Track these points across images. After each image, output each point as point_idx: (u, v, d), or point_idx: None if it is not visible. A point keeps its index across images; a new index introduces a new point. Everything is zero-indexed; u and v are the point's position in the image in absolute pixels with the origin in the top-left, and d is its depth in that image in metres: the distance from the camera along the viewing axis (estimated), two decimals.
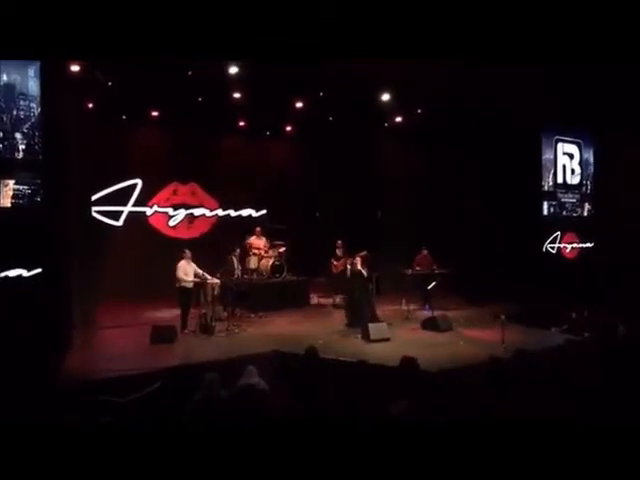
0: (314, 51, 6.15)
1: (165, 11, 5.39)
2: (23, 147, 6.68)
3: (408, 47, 5.98)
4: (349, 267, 10.33)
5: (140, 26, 5.49)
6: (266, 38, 5.71)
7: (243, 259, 11.59)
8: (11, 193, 6.58)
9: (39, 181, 6.78)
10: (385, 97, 11.00)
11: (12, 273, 6.49)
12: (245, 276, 11.52)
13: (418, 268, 11.29)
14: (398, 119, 12.81)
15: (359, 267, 10.14)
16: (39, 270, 6.67)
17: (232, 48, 6.18)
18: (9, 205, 6.59)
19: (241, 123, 13.03)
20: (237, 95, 10.65)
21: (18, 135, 6.64)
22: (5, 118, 6.54)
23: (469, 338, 9.07)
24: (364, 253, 11.93)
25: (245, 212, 14.09)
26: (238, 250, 10.67)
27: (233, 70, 9.24)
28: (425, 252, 11.44)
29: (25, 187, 6.67)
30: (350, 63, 8.44)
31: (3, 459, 3.13)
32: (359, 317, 9.59)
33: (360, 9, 5.47)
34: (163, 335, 8.68)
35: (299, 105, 11.52)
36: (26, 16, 5.32)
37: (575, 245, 13.60)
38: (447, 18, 5.57)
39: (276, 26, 5.53)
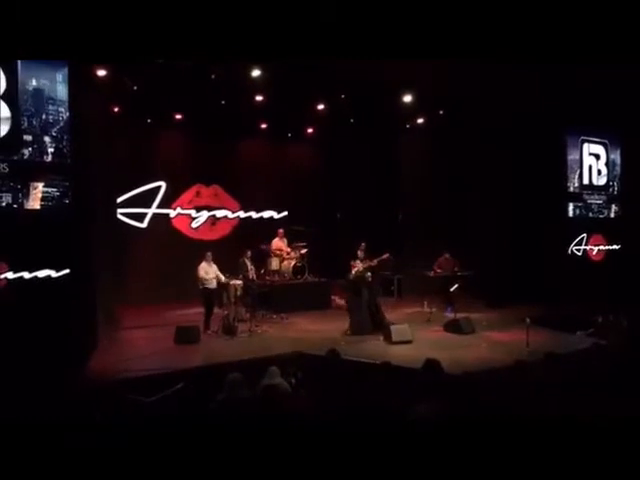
0: (313, 52, 6.15)
1: (163, 16, 5.44)
2: (52, 150, 6.84)
3: (410, 48, 5.95)
4: (353, 275, 10.09)
5: (142, 30, 5.55)
6: (266, 38, 5.73)
7: (261, 260, 11.64)
8: (40, 195, 6.74)
9: (67, 184, 6.93)
10: (407, 98, 10.96)
11: (41, 274, 6.65)
12: (267, 277, 11.57)
13: (439, 270, 11.21)
14: (420, 120, 12.76)
15: (361, 270, 9.97)
16: (67, 271, 6.81)
17: (238, 50, 6.21)
18: (38, 207, 6.76)
19: (263, 125, 13.12)
20: (259, 98, 10.73)
21: (47, 139, 6.81)
22: (35, 122, 6.71)
23: (492, 341, 8.97)
24: (387, 255, 11.89)
25: (266, 214, 14.17)
26: (249, 252, 10.69)
27: (255, 73, 9.31)
28: (447, 255, 11.34)
29: (54, 190, 6.82)
30: (371, 65, 8.40)
31: (28, 456, 3.19)
32: (371, 321, 9.56)
33: (360, 12, 5.46)
34: (187, 335, 8.78)
35: (320, 107, 11.55)
36: (52, 19, 5.43)
37: (602, 247, 13.34)
38: (451, 19, 5.53)
39: (275, 27, 5.55)
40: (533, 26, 5.66)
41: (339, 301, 12.38)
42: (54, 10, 5.36)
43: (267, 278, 11.58)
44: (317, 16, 5.43)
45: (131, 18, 5.46)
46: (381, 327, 9.50)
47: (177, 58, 7.04)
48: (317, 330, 9.81)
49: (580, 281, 11.73)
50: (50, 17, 5.40)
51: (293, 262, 12.07)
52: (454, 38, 5.77)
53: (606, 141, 13.60)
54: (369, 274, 9.99)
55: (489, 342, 8.90)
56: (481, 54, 6.09)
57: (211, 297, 9.79)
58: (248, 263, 10.54)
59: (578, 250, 12.92)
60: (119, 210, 11.90)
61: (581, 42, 5.88)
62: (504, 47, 5.90)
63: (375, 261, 11.95)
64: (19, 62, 6.58)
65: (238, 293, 10.15)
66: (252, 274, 10.54)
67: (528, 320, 8.49)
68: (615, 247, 13.47)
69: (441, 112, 12.19)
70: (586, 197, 13.30)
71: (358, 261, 10.14)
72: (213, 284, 9.73)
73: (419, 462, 3.11)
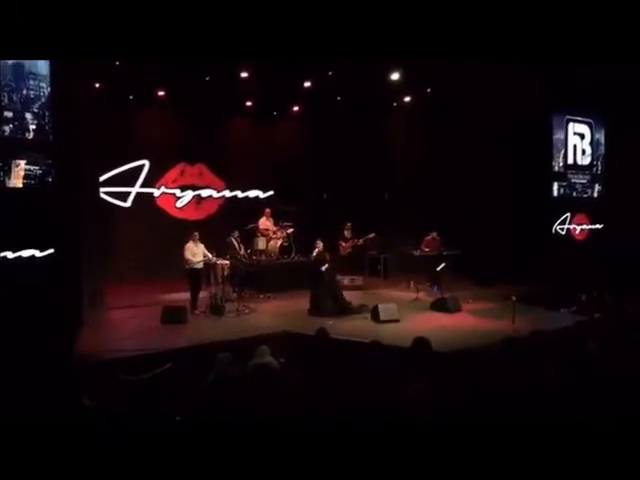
0: (312, 52, 6.04)
1: (162, 13, 5.30)
2: (34, 127, 6.66)
3: (410, 48, 5.87)
4: (314, 256, 9.96)
5: (140, 27, 5.40)
6: (264, 38, 5.62)
7: (248, 240, 11.59)
8: (22, 173, 6.58)
9: (50, 161, 6.77)
10: (394, 76, 10.87)
11: (25, 253, 6.53)
12: (254, 257, 11.53)
13: (426, 250, 11.27)
14: (407, 99, 12.69)
15: (321, 252, 9.88)
16: (52, 250, 6.70)
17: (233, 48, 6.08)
18: (21, 185, 6.61)
19: (248, 103, 12.93)
20: (244, 75, 10.54)
21: (28, 115, 6.62)
22: (15, 98, 6.50)
23: (479, 319, 9.07)
24: (372, 235, 11.93)
25: (252, 193, 14.04)
26: (237, 232, 10.63)
27: None
28: (434, 234, 11.40)
29: (36, 167, 6.66)
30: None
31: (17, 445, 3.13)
32: (332, 304, 9.46)
33: (358, 11, 5.37)
34: (174, 315, 8.73)
35: (307, 85, 11.40)
36: (32, 17, 5.25)
37: (585, 226, 13.53)
38: (447, 19, 5.46)
39: (274, 27, 5.44)
40: (532, 26, 5.58)
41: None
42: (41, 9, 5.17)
43: (254, 258, 11.53)
44: (315, 15, 5.31)
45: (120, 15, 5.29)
46: (345, 311, 9.43)
47: (170, 56, 6.84)
48: (305, 310, 9.80)
49: (564, 260, 11.91)
50: (36, 16, 5.21)
51: (280, 242, 12.03)
52: (452, 38, 5.67)
53: (591, 121, 13.70)
54: (327, 256, 9.87)
55: (475, 320, 9.00)
56: (479, 55, 6.03)
57: (198, 277, 9.72)
58: (235, 242, 10.48)
59: (562, 229, 13.09)
60: (102, 189, 11.68)
61: (580, 42, 5.82)
62: (502, 47, 5.82)
63: (361, 240, 12.02)
64: None
65: (225, 273, 10.12)
66: (242, 252, 10.52)
67: (514, 298, 8.61)
68: (598, 226, 13.67)
69: (429, 90, 12.13)
70: (570, 176, 13.43)
71: (319, 241, 10.04)
72: (200, 264, 9.67)
73: (411, 442, 3.13)
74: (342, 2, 5.16)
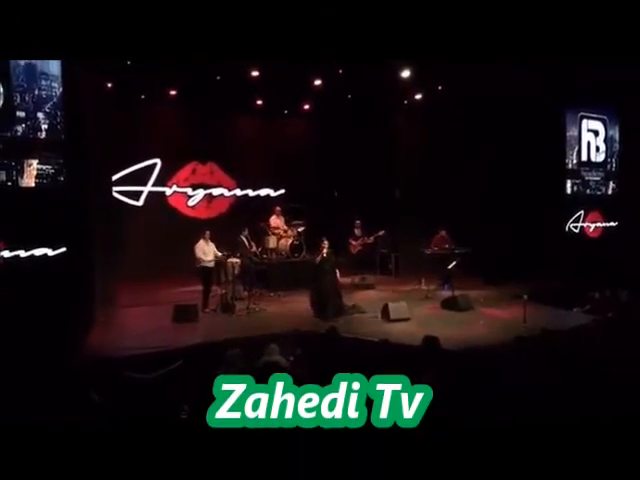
0: (313, 51, 6.02)
1: (164, 14, 5.32)
2: (46, 127, 6.72)
3: (410, 48, 5.83)
4: (322, 256, 9.57)
5: (142, 29, 5.43)
6: (266, 38, 5.61)
7: (258, 239, 11.60)
8: (35, 173, 6.64)
9: (62, 161, 6.83)
10: (405, 74, 10.80)
11: (38, 252, 6.59)
12: (264, 256, 11.54)
13: (436, 248, 11.20)
14: (418, 96, 12.61)
15: (328, 253, 9.57)
16: (64, 249, 6.76)
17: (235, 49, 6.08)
18: (33, 185, 6.67)
19: (259, 102, 12.94)
20: (255, 73, 10.55)
21: (40, 115, 6.68)
22: (27, 98, 6.57)
23: (490, 317, 9.01)
24: (382, 232, 11.89)
25: (263, 192, 14.07)
26: (247, 230, 10.64)
27: None
28: (443, 232, 11.32)
29: (48, 167, 6.73)
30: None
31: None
32: (329, 305, 9.16)
33: (360, 9, 5.33)
34: (185, 314, 8.77)
35: (317, 83, 11.38)
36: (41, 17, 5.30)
37: (599, 224, 13.37)
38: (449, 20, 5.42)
39: (276, 26, 5.43)
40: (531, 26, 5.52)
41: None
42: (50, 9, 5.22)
43: (264, 256, 11.55)
44: (317, 10, 5.30)
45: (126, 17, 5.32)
46: (342, 312, 9.25)
47: (176, 57, 6.89)
48: None
49: (577, 258, 11.77)
50: (46, 16, 5.26)
51: (290, 240, 12.02)
52: (454, 40, 5.63)
53: (605, 117, 13.51)
54: (334, 258, 9.69)
55: (486, 319, 8.94)
56: (480, 56, 5.99)
57: (209, 275, 9.76)
58: (245, 240, 10.49)
59: (575, 227, 12.94)
60: (114, 188, 11.77)
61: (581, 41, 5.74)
62: (503, 48, 5.76)
63: (372, 238, 11.99)
64: None
65: (236, 271, 10.13)
66: (254, 249, 10.55)
67: (525, 297, 8.53)
68: (612, 224, 13.49)
69: (440, 88, 12.04)
70: (584, 174, 13.28)
71: (326, 241, 9.73)
72: (211, 263, 9.70)
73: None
74: (348, 4, 5.14)
